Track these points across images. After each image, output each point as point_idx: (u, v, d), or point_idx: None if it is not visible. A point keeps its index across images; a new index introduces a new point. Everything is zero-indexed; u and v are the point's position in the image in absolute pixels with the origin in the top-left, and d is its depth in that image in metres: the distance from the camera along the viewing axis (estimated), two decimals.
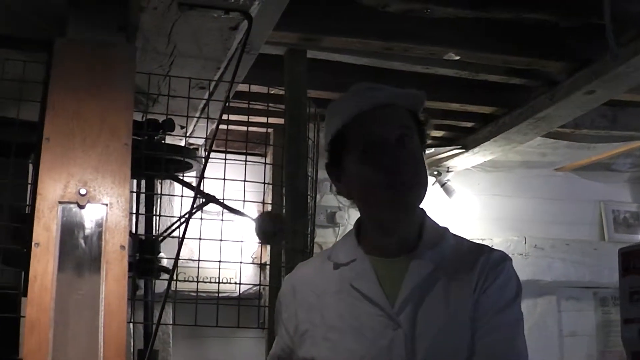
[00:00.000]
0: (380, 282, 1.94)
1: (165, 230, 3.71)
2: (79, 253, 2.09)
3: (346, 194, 2.06)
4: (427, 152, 6.48)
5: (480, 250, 2.01)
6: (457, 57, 4.34)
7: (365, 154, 1.91)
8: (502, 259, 2.00)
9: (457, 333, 1.87)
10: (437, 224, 2.09)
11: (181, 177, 3.76)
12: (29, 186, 3.49)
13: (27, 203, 3.41)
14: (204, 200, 3.44)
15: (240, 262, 3.61)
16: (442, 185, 6.99)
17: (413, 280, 1.91)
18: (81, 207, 2.14)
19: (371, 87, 2.00)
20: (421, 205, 2.04)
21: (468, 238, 2.11)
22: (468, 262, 1.96)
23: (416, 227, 2.02)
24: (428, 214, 2.10)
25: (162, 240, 3.70)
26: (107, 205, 2.14)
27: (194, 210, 2.96)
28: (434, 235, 2.02)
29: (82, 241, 2.10)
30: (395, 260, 1.97)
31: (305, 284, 2.09)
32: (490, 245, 2.07)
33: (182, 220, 3.21)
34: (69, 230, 2.11)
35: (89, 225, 2.12)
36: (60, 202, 2.14)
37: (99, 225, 2.12)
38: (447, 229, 2.09)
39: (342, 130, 1.96)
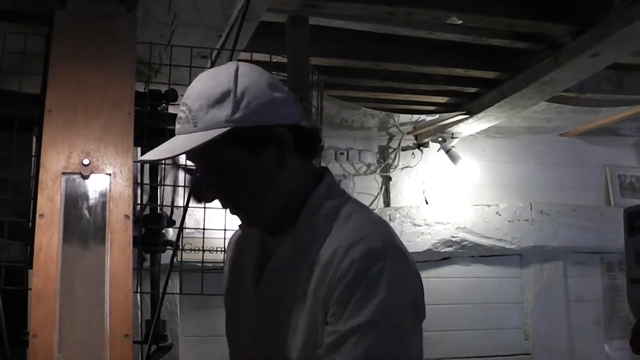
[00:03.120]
0: (258, 259, 1.92)
1: (172, 202, 3.71)
2: (84, 223, 2.09)
3: None
4: (431, 118, 6.49)
5: (345, 239, 1.78)
6: (460, 22, 4.31)
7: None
8: (361, 249, 1.73)
9: (295, 337, 1.78)
10: (320, 200, 1.88)
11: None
12: (33, 160, 3.50)
13: (32, 176, 3.41)
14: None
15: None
16: (447, 151, 6.97)
17: (276, 260, 1.84)
18: (85, 177, 2.13)
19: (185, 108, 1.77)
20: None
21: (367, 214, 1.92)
22: (329, 257, 1.77)
23: (294, 206, 1.85)
24: (326, 179, 1.92)
25: (170, 215, 3.70)
26: (110, 175, 2.14)
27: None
28: (309, 217, 1.84)
29: (86, 211, 2.10)
30: (275, 238, 1.89)
31: (233, 241, 2.11)
32: (371, 234, 1.78)
33: (186, 190, 3.20)
34: (73, 201, 2.11)
35: (93, 196, 2.12)
36: (63, 173, 2.14)
37: (103, 195, 2.12)
38: (325, 204, 1.91)
39: None
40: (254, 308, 1.83)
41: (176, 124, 1.75)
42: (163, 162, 3.64)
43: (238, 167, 1.76)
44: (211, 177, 1.78)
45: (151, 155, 1.83)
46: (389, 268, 1.69)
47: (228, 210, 1.83)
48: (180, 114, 1.75)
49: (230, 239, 2.13)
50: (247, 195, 1.81)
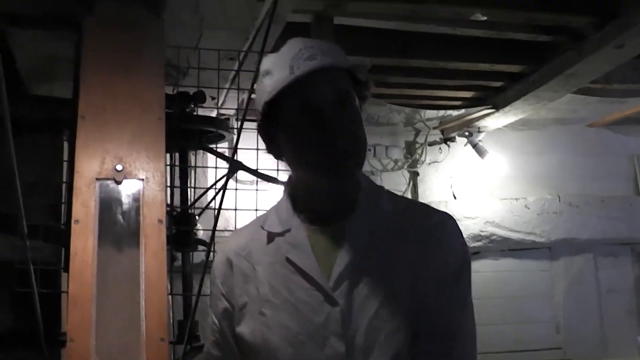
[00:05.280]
0: (316, 253, 1.85)
1: (198, 201, 3.74)
2: (118, 228, 2.12)
3: (276, 155, 1.97)
4: (457, 113, 6.48)
5: (418, 212, 1.94)
6: (484, 18, 4.31)
7: (301, 119, 1.79)
8: (442, 221, 1.90)
9: (398, 309, 1.79)
10: (374, 184, 1.98)
11: (214, 148, 3.79)
12: (65, 163, 3.55)
13: (64, 180, 3.46)
14: (235, 168, 3.46)
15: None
16: (474, 146, 6.96)
17: (349, 253, 1.81)
18: (118, 182, 2.17)
19: (307, 46, 1.83)
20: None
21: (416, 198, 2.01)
22: (406, 227, 1.88)
23: (353, 191, 1.89)
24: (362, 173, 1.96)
25: (200, 215, 3.74)
26: (143, 180, 2.17)
27: (226, 180, 2.97)
28: (371, 198, 1.91)
29: (120, 216, 2.13)
30: (331, 228, 1.87)
31: (240, 256, 1.99)
32: (430, 205, 1.96)
33: (217, 190, 3.23)
34: (107, 206, 2.14)
35: (127, 201, 2.15)
36: (97, 179, 2.17)
37: (136, 200, 2.15)
38: (382, 188, 1.98)
39: (277, 94, 1.79)
40: (329, 302, 1.78)
41: (303, 61, 1.79)
42: (194, 165, 3.68)
43: (356, 108, 1.83)
44: (336, 109, 1.79)
45: (302, 68, 1.79)
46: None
47: (339, 155, 1.79)
48: (306, 52, 1.81)
49: (220, 254, 2.05)
50: (364, 139, 1.83)
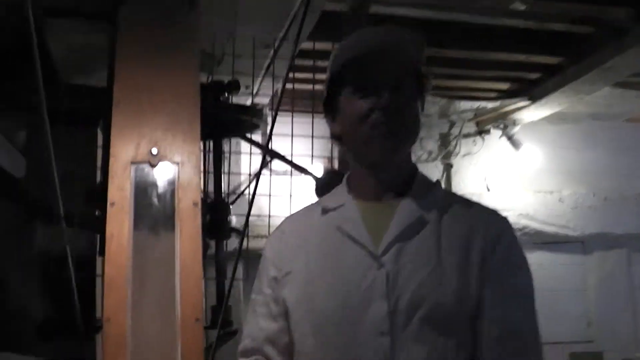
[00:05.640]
0: (367, 224, 1.95)
1: (235, 190, 3.75)
2: (153, 211, 2.13)
3: (338, 135, 2.06)
4: (492, 105, 6.45)
5: (477, 207, 2.01)
6: (523, 7, 4.28)
7: (360, 94, 1.90)
8: (505, 219, 1.99)
9: (448, 283, 1.85)
10: (429, 178, 2.06)
11: (249, 137, 3.80)
12: (99, 152, 3.58)
13: (98, 167, 3.49)
14: (270, 157, 3.47)
15: None
16: (509, 138, 6.93)
17: (400, 223, 1.90)
18: (153, 166, 2.18)
19: (376, 31, 1.97)
20: (429, 173, 2.03)
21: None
22: (464, 217, 1.96)
23: (406, 174, 2.01)
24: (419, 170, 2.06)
25: (233, 203, 3.75)
26: (178, 163, 2.18)
27: (261, 168, 2.98)
28: (424, 185, 1.99)
29: (155, 200, 2.14)
30: (383, 204, 1.97)
31: (293, 229, 2.10)
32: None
33: (252, 177, 3.24)
34: (143, 190, 2.15)
35: (162, 184, 2.16)
36: (132, 163, 2.18)
37: (172, 183, 2.16)
38: (438, 181, 2.08)
39: (340, 71, 1.96)
40: (376, 267, 1.85)
41: (368, 43, 1.91)
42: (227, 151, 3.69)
43: (413, 95, 1.91)
44: (403, 94, 1.88)
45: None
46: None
47: (392, 128, 1.89)
48: (373, 36, 1.94)
49: (275, 230, 2.17)
50: (417, 123, 1.92)
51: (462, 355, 1.86)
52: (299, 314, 1.95)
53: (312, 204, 2.21)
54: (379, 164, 1.95)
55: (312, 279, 1.93)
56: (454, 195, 2.11)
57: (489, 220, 1.95)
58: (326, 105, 2.05)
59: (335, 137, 2.04)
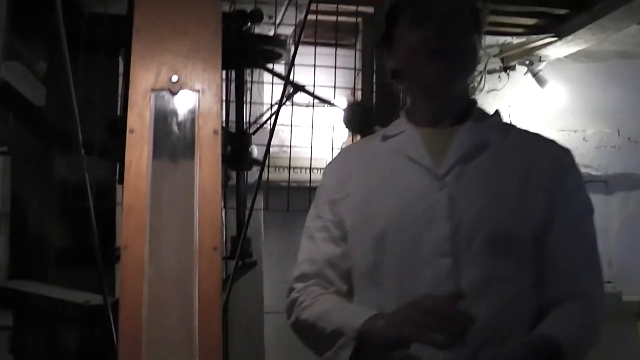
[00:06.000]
0: (427, 147, 1.96)
1: (256, 121, 3.73)
2: (173, 139, 2.11)
3: (395, 65, 2.05)
4: (518, 40, 6.36)
5: (538, 136, 2.07)
6: None
7: (416, 22, 1.94)
8: (571, 154, 2.05)
9: (509, 206, 1.88)
10: (486, 111, 2.12)
11: (271, 68, 3.77)
12: (120, 80, 3.56)
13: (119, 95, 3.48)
14: (292, 90, 3.44)
15: (332, 149, 3.62)
16: (534, 75, 6.86)
17: (461, 146, 1.94)
18: (173, 93, 2.16)
19: None
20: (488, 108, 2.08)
21: (554, 129, 2.13)
22: (525, 144, 2.01)
23: (464, 104, 2.04)
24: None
25: (254, 133, 3.74)
26: (199, 91, 2.16)
27: (282, 99, 2.96)
28: (483, 113, 2.05)
29: (175, 127, 2.12)
30: (442, 130, 1.99)
31: (352, 155, 2.16)
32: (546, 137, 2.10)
33: (275, 110, 3.22)
34: (162, 117, 2.13)
35: (182, 112, 2.14)
36: (152, 90, 2.16)
37: (192, 111, 2.14)
38: (497, 111, 2.10)
39: (397, 3, 1.96)
40: (437, 187, 1.90)
41: None
42: (250, 79, 3.68)
43: (470, 26, 1.98)
44: (460, 23, 1.94)
45: None
46: None
47: (449, 54, 1.91)
48: None
49: (335, 157, 2.20)
50: (474, 52, 2.00)
51: (523, 278, 1.88)
52: (359, 234, 1.99)
53: (371, 135, 2.28)
54: (436, 91, 1.97)
55: (372, 199, 1.99)
56: (513, 125, 2.14)
57: (554, 151, 2.01)
58: (384, 39, 2.08)
59: (392, 71, 2.08)
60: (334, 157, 2.28)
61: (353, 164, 2.10)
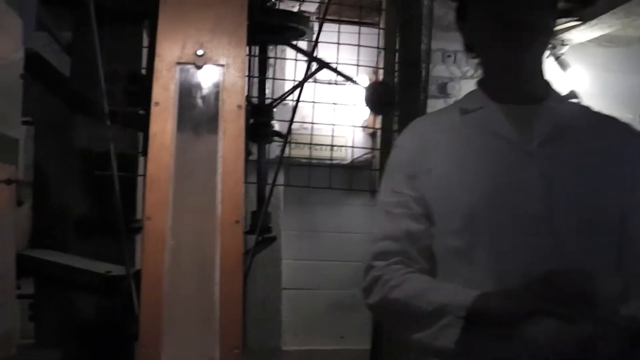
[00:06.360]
0: (512, 125, 1.94)
1: (279, 96, 3.75)
2: (197, 112, 2.13)
3: (468, 38, 2.07)
4: None
5: (619, 123, 2.04)
6: None
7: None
8: None
9: (599, 186, 1.88)
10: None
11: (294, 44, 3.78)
12: (144, 51, 3.58)
13: (142, 67, 3.49)
14: (317, 66, 3.45)
15: (353, 126, 3.63)
16: (557, 58, 6.82)
17: (546, 124, 1.92)
18: (198, 67, 2.17)
19: None
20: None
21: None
22: (606, 129, 1.99)
23: (540, 80, 2.02)
24: None
25: (276, 106, 3.75)
26: (223, 65, 2.17)
27: (306, 76, 2.97)
28: (560, 95, 2.04)
29: (199, 101, 2.14)
30: (523, 107, 1.97)
31: (428, 128, 2.08)
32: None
33: (298, 84, 3.23)
34: (187, 90, 2.15)
35: (206, 86, 2.16)
36: (178, 63, 2.18)
37: (216, 85, 2.15)
38: (573, 91, 2.09)
39: None
40: (528, 164, 1.88)
41: None
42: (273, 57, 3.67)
43: (544, 1, 1.96)
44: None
45: None
46: None
47: (526, 28, 1.90)
48: None
49: (408, 129, 2.17)
50: (550, 30, 2.00)
51: (612, 258, 1.87)
52: (446, 213, 1.93)
53: (444, 108, 2.25)
54: (510, 65, 1.95)
55: (457, 176, 1.93)
56: (587, 105, 2.12)
57: (631, 133, 2.00)
58: (457, 12, 2.08)
59: (466, 44, 2.07)
60: (406, 130, 2.18)
61: (432, 137, 2.03)
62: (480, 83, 2.09)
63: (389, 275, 1.95)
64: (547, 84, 2.04)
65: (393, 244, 1.99)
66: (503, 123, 1.93)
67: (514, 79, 1.98)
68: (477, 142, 1.95)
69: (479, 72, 2.09)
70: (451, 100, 6.90)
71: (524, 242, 1.83)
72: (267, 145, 3.75)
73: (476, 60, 2.10)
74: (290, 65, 4.26)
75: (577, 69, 6.84)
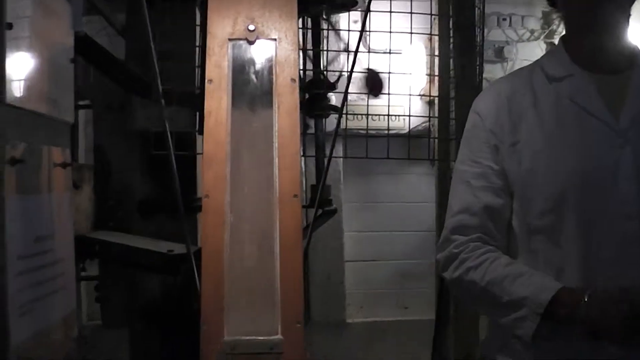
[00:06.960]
0: (602, 99, 1.87)
1: (330, 66, 3.73)
2: (251, 88, 2.12)
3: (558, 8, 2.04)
4: None
5: None
6: None
7: None
8: None
9: None
10: None
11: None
12: (197, 29, 3.58)
13: (197, 45, 3.50)
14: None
15: (410, 95, 3.60)
16: None
17: (638, 99, 1.85)
18: (250, 43, 2.16)
19: None
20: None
21: None
22: None
23: (626, 45, 1.95)
24: None
25: (337, 81, 3.73)
26: (275, 40, 2.16)
27: (357, 46, 2.94)
28: None
29: (253, 76, 2.13)
30: (613, 77, 1.90)
31: (512, 94, 1.99)
32: None
33: (350, 56, 3.21)
34: (240, 66, 2.14)
35: (259, 61, 2.15)
36: (229, 39, 2.17)
37: (269, 60, 2.14)
38: None
39: None
40: (620, 144, 1.83)
41: None
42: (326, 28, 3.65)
43: None
44: None
45: None
46: None
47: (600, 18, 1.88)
48: None
49: (487, 94, 2.10)
50: (624, 16, 1.92)
51: None
52: (533, 191, 1.87)
53: (521, 70, 2.15)
54: (602, 29, 1.89)
55: (546, 154, 1.87)
56: None
57: None
58: None
59: (554, 4, 2.02)
60: (487, 92, 2.11)
61: (515, 104, 1.96)
62: (564, 41, 2.02)
63: (466, 253, 1.92)
64: (632, 50, 1.97)
65: (472, 218, 1.94)
66: (594, 98, 1.85)
67: (600, 37, 1.91)
68: (568, 117, 1.87)
69: (562, 28, 2.05)
70: (508, 65, 6.82)
71: (613, 228, 1.78)
72: (324, 119, 3.74)
73: (558, 15, 2.08)
74: (345, 35, 4.24)
75: (636, 25, 6.70)
